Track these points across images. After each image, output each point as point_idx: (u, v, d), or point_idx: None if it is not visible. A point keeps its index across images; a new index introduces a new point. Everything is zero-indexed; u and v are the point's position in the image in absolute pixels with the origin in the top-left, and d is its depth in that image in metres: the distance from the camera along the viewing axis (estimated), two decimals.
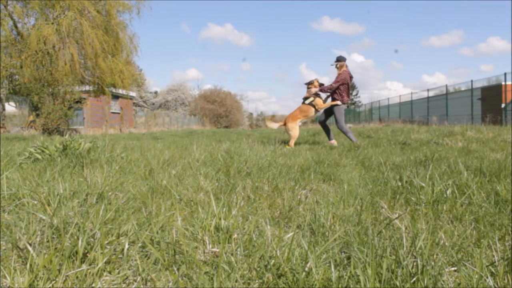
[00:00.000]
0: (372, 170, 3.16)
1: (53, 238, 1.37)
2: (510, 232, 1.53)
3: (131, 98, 31.52)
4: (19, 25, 19.19)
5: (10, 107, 20.42)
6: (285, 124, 6.81)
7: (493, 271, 1.15)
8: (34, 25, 18.69)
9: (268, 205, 1.97)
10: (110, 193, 2.08)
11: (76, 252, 1.21)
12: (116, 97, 27.66)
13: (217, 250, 1.34)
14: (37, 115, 16.77)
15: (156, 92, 51.79)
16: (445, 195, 2.04)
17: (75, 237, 1.26)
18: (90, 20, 18.90)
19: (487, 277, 1.08)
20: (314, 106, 6.72)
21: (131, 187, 2.29)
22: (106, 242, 1.30)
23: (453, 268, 1.19)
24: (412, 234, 1.47)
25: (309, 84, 6.79)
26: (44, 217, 1.51)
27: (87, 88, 20.93)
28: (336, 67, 6.83)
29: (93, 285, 1.11)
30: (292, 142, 6.45)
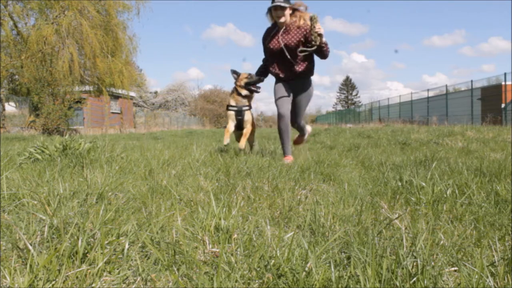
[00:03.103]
0: (372, 170, 3.16)
1: (53, 238, 1.37)
2: (510, 232, 1.53)
3: (131, 98, 31.52)
4: (19, 25, 19.21)
5: (10, 107, 20.44)
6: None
7: (493, 271, 1.15)
8: (34, 25, 18.70)
9: (268, 205, 1.97)
10: (110, 193, 2.08)
11: (76, 252, 1.21)
12: (116, 97, 27.67)
13: (217, 250, 1.34)
14: (37, 115, 16.77)
15: (156, 92, 51.81)
16: (445, 195, 2.04)
17: (75, 237, 1.26)
18: (90, 20, 18.92)
19: (487, 277, 1.08)
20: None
21: (131, 187, 2.29)
22: (106, 242, 1.30)
23: (453, 268, 1.19)
24: (412, 234, 1.47)
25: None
26: (44, 217, 1.51)
27: (87, 88, 20.94)
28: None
29: (93, 285, 1.11)
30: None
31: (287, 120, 3.93)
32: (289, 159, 3.85)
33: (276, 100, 4.00)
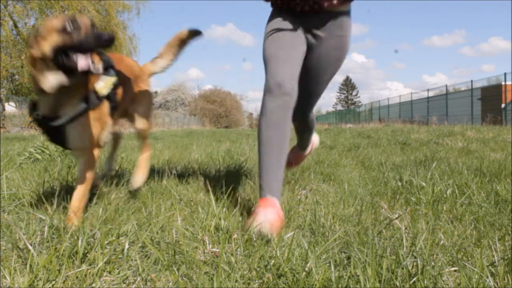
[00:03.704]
0: (372, 170, 3.16)
1: (53, 238, 1.37)
2: (510, 232, 1.53)
3: None
4: (19, 25, 19.20)
5: (10, 107, 20.41)
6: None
7: (493, 271, 1.15)
8: (34, 25, 18.71)
9: None
10: (110, 193, 2.08)
11: (76, 252, 1.21)
12: None
13: (217, 250, 1.34)
14: None
15: (156, 92, 51.77)
16: (445, 195, 2.04)
17: (75, 237, 1.26)
18: (90, 20, 18.91)
19: (487, 277, 1.08)
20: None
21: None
22: (106, 242, 1.30)
23: (453, 268, 1.19)
24: (412, 234, 1.47)
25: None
26: (44, 217, 1.51)
27: None
28: None
29: (93, 285, 1.11)
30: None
31: (286, 103, 1.69)
32: (269, 205, 1.60)
33: (267, 56, 1.79)
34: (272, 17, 1.89)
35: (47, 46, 1.37)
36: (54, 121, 1.51)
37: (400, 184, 2.34)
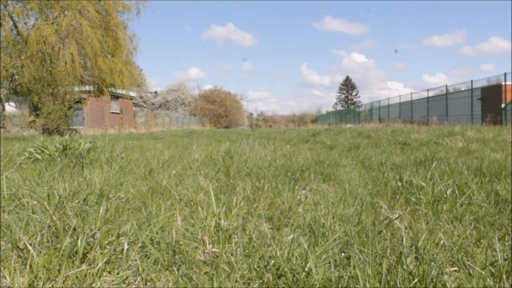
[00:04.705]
0: (372, 170, 3.16)
1: (53, 238, 1.37)
2: (510, 232, 1.53)
3: (131, 98, 31.53)
4: (19, 25, 19.21)
5: (10, 107, 20.42)
6: None
7: (493, 271, 1.15)
8: (34, 25, 18.71)
9: (268, 205, 1.97)
10: (110, 194, 2.08)
11: (76, 252, 1.21)
12: (116, 97, 27.67)
13: (217, 250, 1.34)
14: (37, 115, 16.77)
15: (156, 92, 51.80)
16: (445, 195, 2.04)
17: (75, 237, 1.26)
18: (90, 20, 18.93)
19: (487, 277, 1.08)
20: None
21: (131, 187, 2.29)
22: (106, 242, 1.29)
23: (453, 268, 1.19)
24: (412, 234, 1.47)
25: None
26: (44, 217, 1.51)
27: (87, 88, 20.96)
28: None
29: (93, 285, 1.11)
30: None
31: None
32: None
33: None
34: None
35: None
36: None
37: (400, 184, 2.34)
